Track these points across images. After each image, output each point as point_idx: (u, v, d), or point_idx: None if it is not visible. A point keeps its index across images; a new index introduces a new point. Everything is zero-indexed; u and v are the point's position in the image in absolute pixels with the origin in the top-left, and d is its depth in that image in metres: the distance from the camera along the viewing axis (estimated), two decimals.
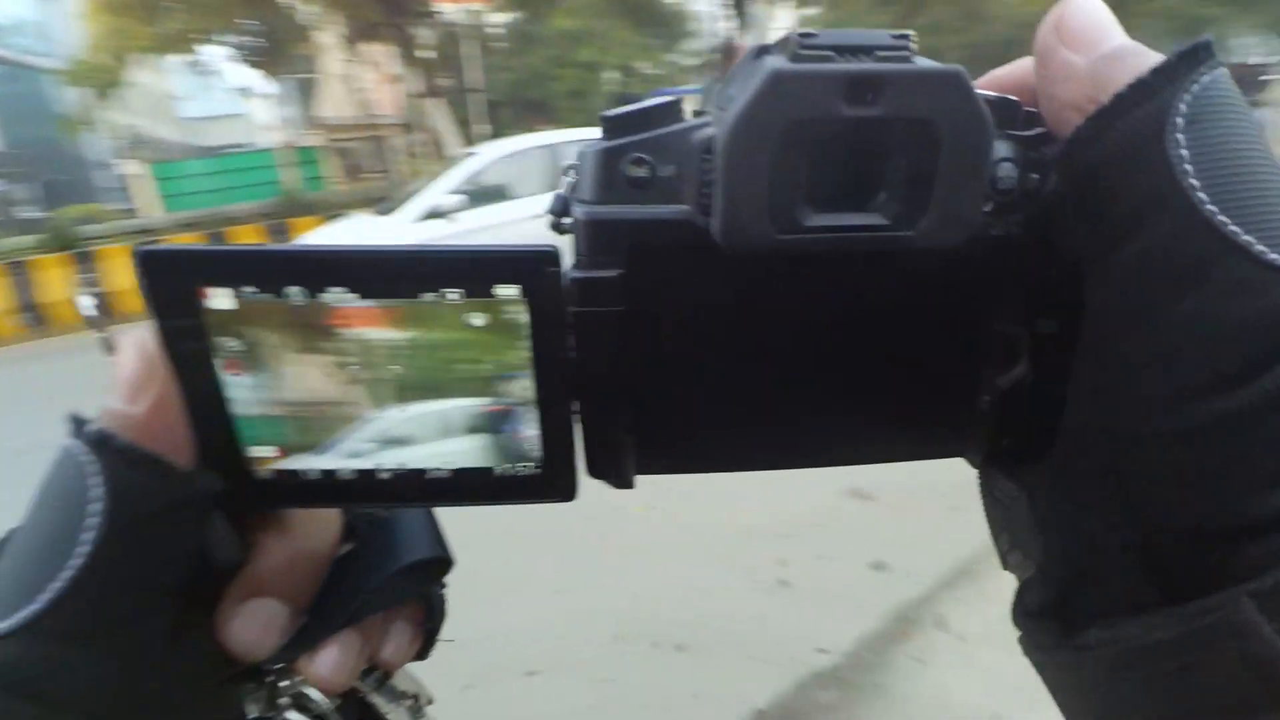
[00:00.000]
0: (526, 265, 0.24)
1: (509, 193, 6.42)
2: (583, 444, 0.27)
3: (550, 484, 0.27)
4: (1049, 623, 0.26)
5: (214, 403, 0.24)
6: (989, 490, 0.31)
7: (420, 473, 0.26)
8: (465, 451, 0.26)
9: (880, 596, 2.35)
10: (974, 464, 0.30)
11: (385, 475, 0.26)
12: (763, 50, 0.23)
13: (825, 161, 0.22)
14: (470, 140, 12.04)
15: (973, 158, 0.22)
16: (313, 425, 0.25)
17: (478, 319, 0.24)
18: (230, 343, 0.24)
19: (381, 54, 13.27)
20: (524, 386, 0.25)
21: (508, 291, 0.24)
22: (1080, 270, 0.23)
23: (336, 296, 0.23)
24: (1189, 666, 0.20)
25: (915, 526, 2.63)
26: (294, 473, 0.26)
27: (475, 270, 0.24)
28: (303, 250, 0.23)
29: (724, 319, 0.26)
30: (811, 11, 17.17)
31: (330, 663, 0.27)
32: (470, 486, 0.27)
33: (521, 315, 0.24)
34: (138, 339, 0.24)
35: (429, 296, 0.24)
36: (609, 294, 0.24)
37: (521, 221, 6.18)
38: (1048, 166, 0.24)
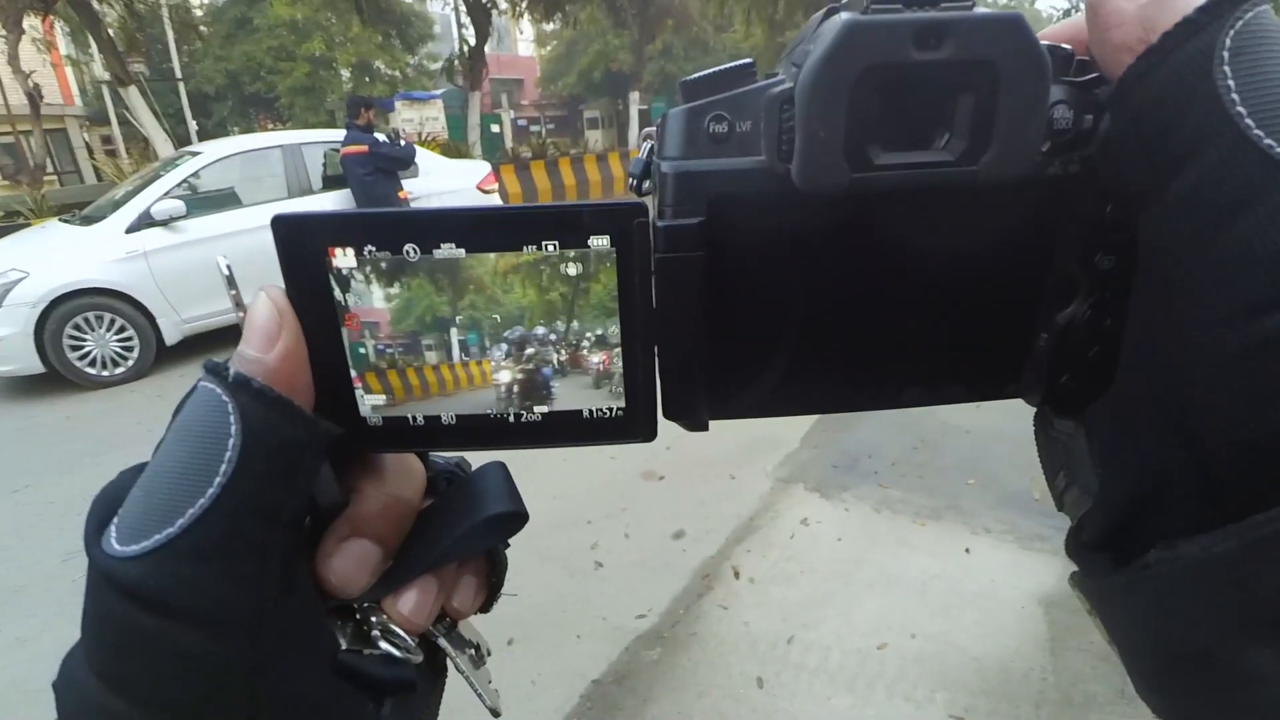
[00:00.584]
0: (618, 216, 0.26)
1: (239, 198, 5.72)
2: (661, 387, 0.28)
3: (633, 425, 0.29)
4: (1106, 554, 0.27)
5: (334, 353, 0.26)
6: (1044, 430, 0.31)
7: (518, 415, 0.28)
8: (556, 394, 0.28)
9: (683, 560, 2.64)
10: (1032, 403, 0.30)
11: (485, 419, 0.28)
12: (832, 10, 0.25)
13: (895, 103, 0.23)
14: (179, 136, 10.44)
15: (1032, 94, 0.23)
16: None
17: (572, 269, 0.26)
18: (350, 298, 0.26)
19: (49, 31, 10.85)
20: (611, 332, 0.27)
21: (600, 242, 0.26)
22: (1135, 207, 0.24)
23: (447, 251, 0.25)
24: (1246, 578, 0.20)
25: (703, 496, 2.98)
26: (401, 418, 0.28)
27: (571, 223, 0.25)
28: (417, 212, 0.25)
29: (795, 262, 0.27)
30: (551, 27, 17.69)
31: (412, 603, 0.29)
32: (560, 428, 0.28)
33: (611, 263, 0.26)
34: (271, 294, 0.25)
35: (529, 249, 0.26)
36: (691, 240, 0.26)
37: (256, 231, 5.52)
38: (1101, 108, 0.24)
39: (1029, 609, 2.29)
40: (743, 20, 19.81)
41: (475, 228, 0.25)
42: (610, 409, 0.28)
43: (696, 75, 0.26)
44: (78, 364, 4.89)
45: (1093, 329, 0.27)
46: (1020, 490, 2.93)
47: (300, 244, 0.25)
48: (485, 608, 0.33)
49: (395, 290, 0.26)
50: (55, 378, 4.87)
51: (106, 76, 10.45)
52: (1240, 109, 0.20)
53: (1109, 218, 0.26)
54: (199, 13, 15.58)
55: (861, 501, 2.94)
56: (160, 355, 5.26)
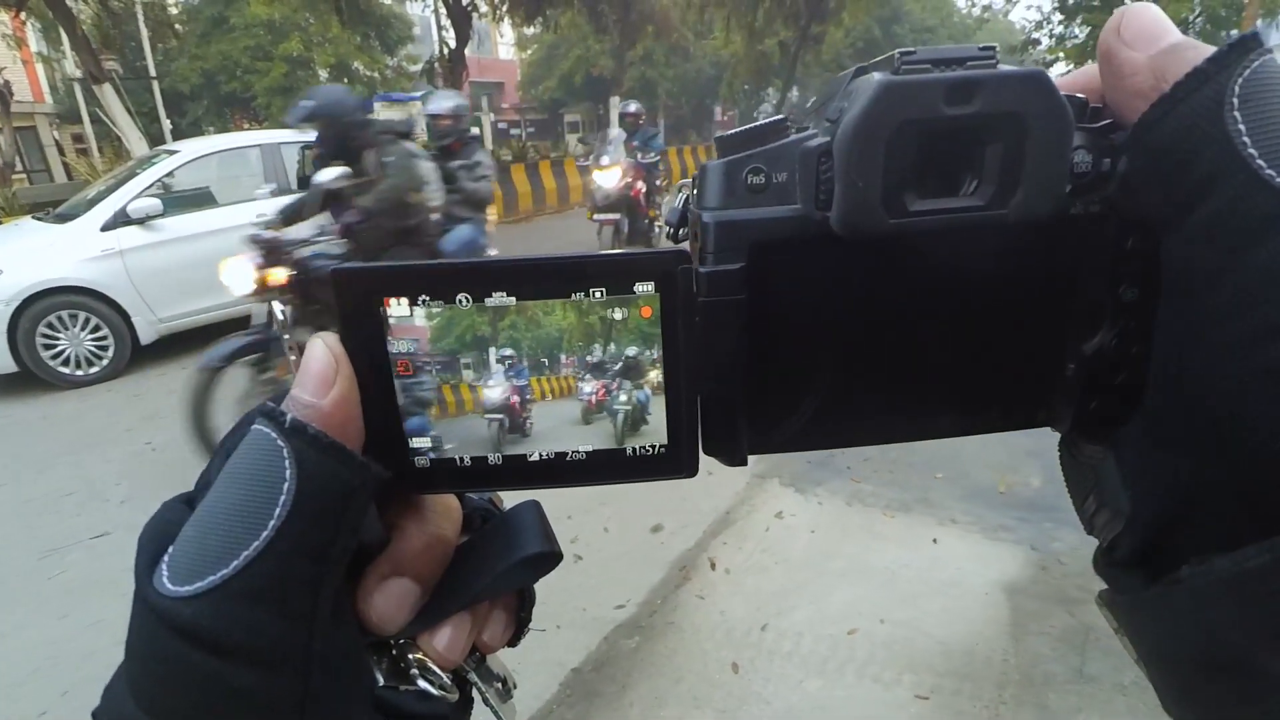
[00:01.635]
0: (663, 264, 0.27)
1: (214, 197, 5.69)
2: (701, 424, 0.29)
3: (675, 461, 0.29)
4: (1138, 570, 0.28)
5: (386, 398, 0.27)
6: (1071, 456, 0.32)
7: (561, 455, 0.29)
8: (598, 433, 0.29)
9: (661, 553, 2.71)
10: (1062, 430, 0.31)
11: (530, 459, 0.29)
12: (861, 70, 0.27)
13: (928, 153, 0.25)
14: (152, 135, 10.30)
15: (1056, 142, 0.25)
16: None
17: (618, 313, 0.27)
18: (403, 345, 0.27)
19: (19, 27, 10.64)
20: (654, 372, 0.28)
21: (645, 288, 0.27)
22: (1156, 236, 0.25)
23: (498, 299, 0.26)
24: (1278, 592, 0.21)
25: (681, 491, 3.02)
26: (449, 460, 0.28)
27: (618, 271, 0.27)
28: (470, 263, 0.26)
29: (832, 302, 0.29)
30: (532, 31, 17.70)
31: (447, 640, 0.30)
32: (605, 466, 0.29)
33: (655, 308, 0.27)
34: (327, 341, 0.26)
35: (577, 295, 0.27)
36: (733, 284, 0.27)
37: (234, 229, 5.52)
38: (1118, 151, 0.26)
39: (993, 595, 2.38)
40: (723, 28, 19.99)
41: (526, 277, 0.26)
42: (653, 446, 0.29)
43: (733, 131, 0.28)
44: (51, 363, 4.84)
45: (1120, 356, 0.28)
46: (987, 484, 3.03)
47: (357, 294, 0.26)
48: (513, 642, 0.33)
49: (437, 310, 0.27)
50: (29, 377, 4.81)
51: (79, 74, 10.29)
52: (1251, 150, 0.21)
53: (1130, 250, 0.27)
54: (175, 11, 15.38)
55: (834, 495, 3.03)
56: (135, 354, 5.21)
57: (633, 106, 7.61)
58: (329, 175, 3.15)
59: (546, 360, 0.28)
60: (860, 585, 2.47)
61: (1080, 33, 20.42)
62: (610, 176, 6.78)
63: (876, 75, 0.25)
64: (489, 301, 0.26)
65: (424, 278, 0.26)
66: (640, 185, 7.03)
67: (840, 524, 2.84)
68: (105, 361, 5.07)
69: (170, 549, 0.24)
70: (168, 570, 0.23)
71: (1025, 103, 0.24)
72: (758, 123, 0.28)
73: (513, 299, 0.27)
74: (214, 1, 13.62)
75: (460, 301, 0.26)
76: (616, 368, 0.28)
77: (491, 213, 4.28)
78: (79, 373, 4.96)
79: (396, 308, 0.26)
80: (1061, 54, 20.50)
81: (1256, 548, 0.21)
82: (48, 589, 2.69)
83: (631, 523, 2.86)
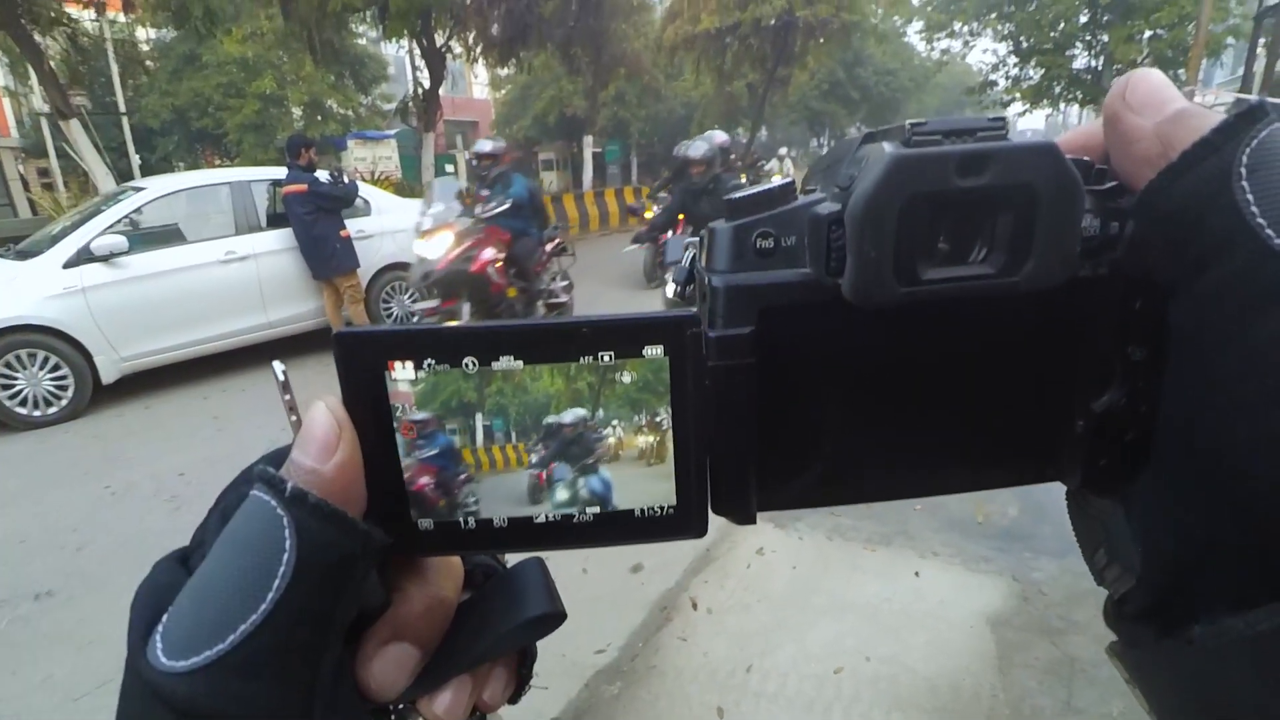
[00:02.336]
0: (673, 327, 0.26)
1: (182, 234, 5.63)
2: (710, 483, 0.29)
3: (685, 522, 0.29)
4: (1149, 624, 0.28)
5: (389, 462, 0.27)
6: (1081, 510, 0.32)
7: (569, 518, 0.28)
8: (606, 496, 0.28)
9: (642, 593, 2.65)
10: (1072, 486, 0.31)
11: (536, 521, 0.28)
12: (870, 136, 0.27)
13: (940, 223, 0.25)
14: (120, 171, 10.16)
15: (1068, 213, 0.25)
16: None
17: (626, 376, 0.27)
18: (407, 409, 0.26)
19: None
20: (664, 434, 0.28)
21: (653, 351, 0.26)
22: (1163, 299, 0.25)
23: (505, 363, 0.26)
24: None
25: None
26: (453, 523, 0.28)
27: (626, 334, 0.26)
28: (476, 327, 0.26)
29: (842, 363, 0.29)
30: (506, 72, 17.98)
31: (447, 704, 0.29)
32: (612, 528, 0.29)
33: (664, 371, 0.27)
34: (329, 405, 0.25)
35: (585, 359, 0.26)
36: (743, 348, 0.27)
37: (201, 267, 5.50)
38: (1125, 215, 0.26)
39: (977, 628, 2.37)
40: (692, 70, 20.52)
41: (532, 340, 0.26)
42: (661, 507, 0.28)
43: (741, 195, 0.28)
44: (8, 403, 4.68)
45: (1129, 414, 0.28)
46: (964, 515, 3.04)
47: (360, 358, 0.26)
48: (514, 699, 0.33)
49: (423, 374, 0.26)
50: None
51: (46, 108, 10.16)
52: (1260, 220, 0.21)
53: (1138, 311, 0.27)
54: (146, 47, 15.33)
55: (814, 530, 3.01)
56: (96, 394, 5.06)
57: (487, 145, 5.83)
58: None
59: (533, 426, 0.27)
60: (844, 621, 2.44)
61: (1034, 74, 21.38)
62: (435, 245, 5.16)
63: (888, 146, 0.25)
64: (495, 365, 0.26)
65: (430, 341, 0.26)
66: (490, 254, 5.26)
67: (821, 559, 2.82)
68: (64, 401, 4.91)
69: (165, 618, 0.23)
70: (162, 642, 0.22)
71: (1037, 174, 0.24)
72: (767, 186, 0.28)
73: (520, 363, 0.26)
74: (186, 38, 13.58)
75: (466, 365, 0.26)
76: (557, 443, 0.27)
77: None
78: (36, 413, 4.79)
79: (402, 372, 0.26)
80: (1018, 94, 21.42)
81: (1269, 610, 0.21)
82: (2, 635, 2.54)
83: (611, 563, 2.81)
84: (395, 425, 0.26)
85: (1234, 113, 0.23)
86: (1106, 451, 0.29)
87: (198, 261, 5.50)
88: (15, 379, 4.71)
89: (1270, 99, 0.23)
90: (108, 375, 5.10)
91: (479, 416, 0.27)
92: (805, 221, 0.27)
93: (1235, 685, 0.23)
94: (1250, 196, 0.22)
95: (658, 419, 0.28)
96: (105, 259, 5.04)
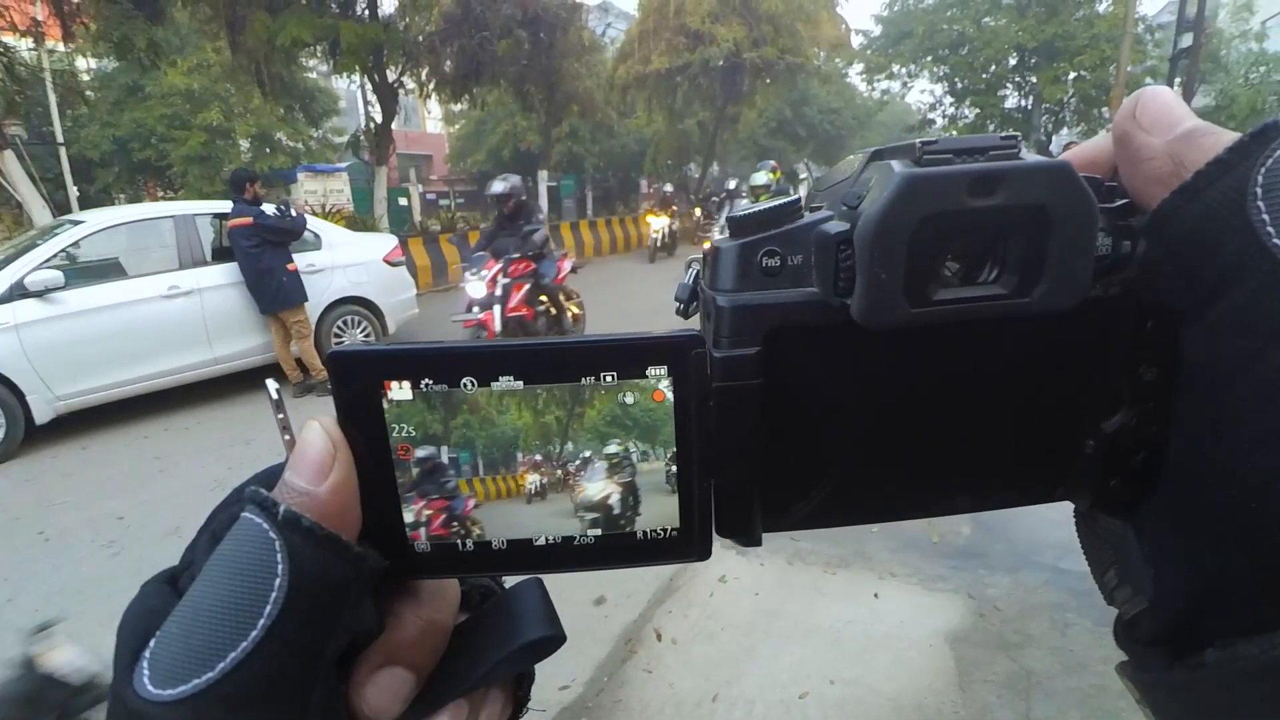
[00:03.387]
0: (676, 348, 0.26)
1: (123, 269, 5.45)
2: (715, 506, 0.28)
3: (687, 545, 0.28)
4: (1160, 648, 0.27)
5: (384, 483, 0.26)
6: (1091, 530, 0.32)
7: (569, 539, 0.28)
8: (610, 518, 0.28)
9: (606, 626, 2.63)
10: (1081, 507, 0.31)
11: (537, 544, 0.28)
12: (877, 154, 0.27)
13: (951, 244, 0.25)
14: (57, 203, 9.80)
15: (1082, 234, 0.24)
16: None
17: (629, 397, 0.26)
18: (404, 429, 0.26)
19: None
20: (667, 456, 0.27)
21: (657, 372, 0.26)
22: (1175, 324, 0.24)
23: (505, 384, 0.25)
24: None
25: None
26: (450, 545, 0.27)
27: (629, 355, 0.26)
28: (475, 346, 0.26)
29: (849, 384, 0.28)
30: (460, 107, 18.04)
31: None
32: (614, 550, 0.28)
33: (668, 392, 0.26)
34: (324, 425, 0.25)
35: (587, 380, 0.26)
36: (749, 369, 0.26)
37: (143, 302, 5.32)
38: (1136, 234, 0.25)
39: (937, 646, 2.41)
40: (644, 108, 20.94)
41: (534, 361, 0.26)
42: (664, 529, 0.28)
43: (745, 212, 0.27)
44: None
45: (1139, 435, 0.28)
46: (919, 535, 3.11)
47: (355, 378, 0.25)
48: None
49: (384, 406, 0.26)
50: None
51: None
52: (1277, 241, 0.21)
53: (1150, 333, 0.26)
54: (86, 78, 14.90)
55: (775, 555, 3.04)
56: (29, 435, 4.80)
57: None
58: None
59: (501, 459, 0.27)
60: (807, 645, 2.46)
61: (969, 113, 22.51)
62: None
63: (897, 165, 0.24)
64: (495, 386, 0.26)
65: (428, 361, 0.25)
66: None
67: (783, 584, 2.84)
68: None
69: (152, 644, 0.22)
70: (149, 669, 0.21)
71: (1050, 195, 0.24)
72: (772, 204, 0.27)
73: (520, 383, 0.26)
74: (129, 69, 13.26)
75: (465, 386, 0.25)
76: (602, 464, 0.27)
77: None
78: None
79: (398, 392, 0.25)
80: (954, 132, 22.43)
81: None
82: None
83: (573, 596, 2.77)
84: (391, 446, 0.26)
85: (1248, 132, 0.22)
86: (1117, 472, 0.29)
87: (139, 296, 5.31)
88: None
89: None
90: (41, 415, 4.85)
91: (444, 449, 0.26)
92: (812, 240, 0.26)
93: (1248, 711, 0.22)
94: (1266, 217, 0.21)
95: (660, 450, 0.27)
96: (40, 294, 4.83)
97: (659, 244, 14.45)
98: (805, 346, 0.27)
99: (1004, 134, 0.25)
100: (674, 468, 0.27)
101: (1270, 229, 0.21)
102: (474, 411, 0.26)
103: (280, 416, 0.30)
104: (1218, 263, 0.22)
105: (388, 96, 12.72)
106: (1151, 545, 0.28)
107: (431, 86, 13.87)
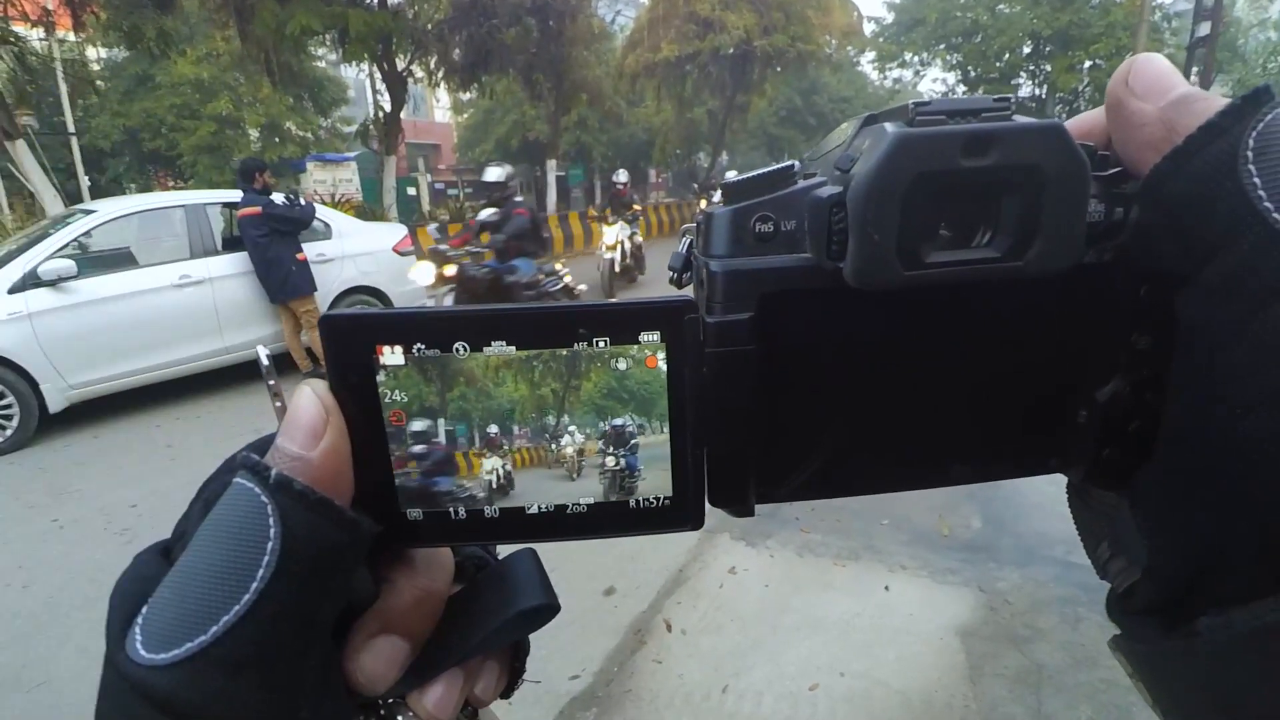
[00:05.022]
0: (669, 313, 0.26)
1: (134, 258, 5.49)
2: (708, 475, 0.28)
3: (681, 514, 0.28)
4: (1154, 619, 0.27)
5: (377, 448, 0.26)
6: (1084, 502, 0.32)
7: (562, 508, 0.28)
8: (601, 487, 0.28)
9: (615, 617, 2.63)
10: (1075, 478, 0.31)
11: (529, 512, 0.28)
12: (871, 119, 0.26)
13: (944, 206, 0.25)
14: (69, 193, 9.86)
15: (1075, 195, 0.24)
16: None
17: (621, 363, 0.26)
18: (396, 394, 0.26)
19: None
20: (660, 423, 0.27)
21: (650, 337, 0.26)
22: (1170, 289, 0.24)
23: (497, 349, 0.25)
24: None
25: (632, 551, 2.99)
26: (443, 513, 0.27)
27: (622, 320, 0.26)
28: (467, 310, 0.25)
29: (843, 351, 0.28)
30: (468, 96, 17.99)
31: (438, 698, 0.28)
32: (607, 519, 0.28)
33: (660, 358, 0.26)
34: (316, 389, 0.25)
35: (580, 345, 0.26)
36: (742, 335, 0.26)
37: (155, 291, 5.34)
38: (1129, 201, 0.25)
39: (947, 640, 2.40)
40: (653, 97, 20.84)
41: (526, 325, 0.26)
42: (657, 498, 0.28)
43: (739, 178, 0.27)
44: None
45: (1134, 403, 0.28)
46: (930, 528, 3.10)
47: (348, 342, 0.25)
48: (507, 693, 0.32)
49: (381, 379, 0.25)
50: None
51: None
52: (1268, 204, 0.21)
53: (1144, 299, 0.26)
54: (97, 68, 14.96)
55: (784, 547, 3.03)
56: (42, 424, 4.85)
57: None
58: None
59: (499, 431, 0.27)
60: (817, 638, 2.45)
61: None
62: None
63: (890, 126, 0.24)
64: (488, 350, 0.25)
65: (421, 325, 0.25)
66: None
67: (792, 576, 2.84)
68: (9, 432, 4.69)
69: (144, 610, 0.22)
70: (141, 634, 0.21)
71: (1043, 155, 0.24)
72: (766, 169, 0.27)
73: (512, 348, 0.26)
74: (139, 59, 13.30)
75: (457, 350, 0.25)
76: (605, 431, 0.27)
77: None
78: None
79: (390, 356, 0.25)
80: None
81: (1275, 601, 0.21)
82: None
83: (583, 586, 2.78)
84: (384, 413, 0.26)
85: (1241, 96, 0.22)
86: (1111, 442, 0.29)
87: (151, 286, 5.34)
88: None
89: None
90: (55, 404, 4.90)
91: (441, 422, 0.26)
92: (805, 205, 0.26)
93: (1241, 677, 0.22)
94: (1258, 180, 0.21)
95: (652, 419, 0.27)
96: (53, 284, 4.86)
97: (616, 267, 8.99)
98: (799, 312, 0.27)
99: (997, 95, 0.25)
100: (667, 436, 0.27)
101: (1262, 192, 0.21)
102: (471, 384, 0.26)
103: (271, 383, 0.30)
104: (1210, 226, 0.22)
105: (396, 85, 12.70)
106: (1146, 515, 0.28)
107: (440, 75, 13.83)
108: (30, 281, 4.83)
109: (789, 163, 0.28)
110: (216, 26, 12.17)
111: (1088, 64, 19.24)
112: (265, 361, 0.30)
